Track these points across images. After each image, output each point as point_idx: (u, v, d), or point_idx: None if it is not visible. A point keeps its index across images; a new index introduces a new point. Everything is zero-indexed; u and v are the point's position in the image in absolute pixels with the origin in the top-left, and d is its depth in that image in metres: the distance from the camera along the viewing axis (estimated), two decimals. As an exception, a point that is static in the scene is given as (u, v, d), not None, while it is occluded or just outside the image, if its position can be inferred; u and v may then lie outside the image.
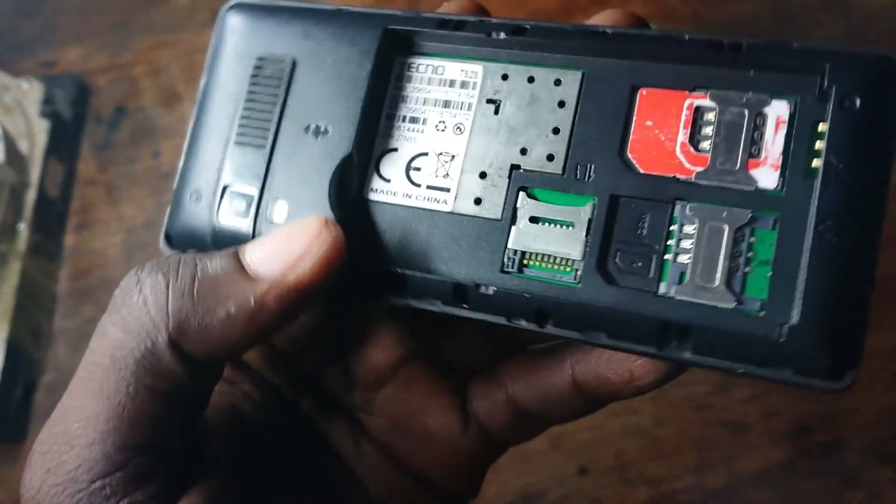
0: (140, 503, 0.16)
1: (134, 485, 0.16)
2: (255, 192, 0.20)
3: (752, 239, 0.16)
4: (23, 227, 0.41)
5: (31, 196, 0.42)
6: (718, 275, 0.16)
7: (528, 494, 0.35)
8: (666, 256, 0.17)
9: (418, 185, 0.19)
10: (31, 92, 0.45)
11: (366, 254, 0.19)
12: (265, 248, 0.17)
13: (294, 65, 0.20)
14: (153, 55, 0.47)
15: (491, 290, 0.18)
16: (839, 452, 0.35)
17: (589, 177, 0.18)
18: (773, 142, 0.17)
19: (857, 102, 0.16)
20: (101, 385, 0.16)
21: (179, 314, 0.16)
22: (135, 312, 0.17)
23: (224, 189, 0.20)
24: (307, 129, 0.20)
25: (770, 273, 0.16)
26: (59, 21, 0.50)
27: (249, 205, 0.20)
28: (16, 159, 0.41)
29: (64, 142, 0.45)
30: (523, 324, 0.18)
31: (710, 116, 0.17)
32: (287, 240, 0.17)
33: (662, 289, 0.17)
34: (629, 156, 0.18)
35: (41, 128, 0.44)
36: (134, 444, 0.16)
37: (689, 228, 0.17)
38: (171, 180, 0.45)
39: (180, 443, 0.18)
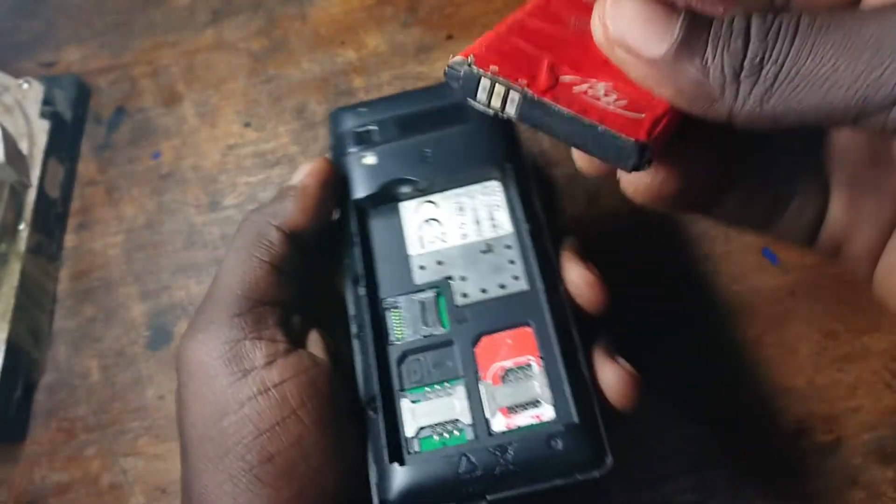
0: (261, 338, 0.26)
1: (259, 326, 0.26)
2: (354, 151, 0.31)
3: (454, 431, 0.25)
4: (23, 227, 0.41)
5: (31, 196, 0.42)
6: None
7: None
8: (430, 393, 0.26)
9: (419, 229, 0.29)
10: (31, 92, 0.45)
11: (354, 201, 0.30)
12: (297, 175, 0.30)
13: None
14: (153, 55, 0.48)
15: (361, 291, 0.28)
16: (839, 452, 0.35)
17: (460, 323, 0.27)
18: (523, 418, 0.25)
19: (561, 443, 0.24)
20: (235, 264, 0.27)
21: (272, 211, 0.29)
22: (251, 223, 0.28)
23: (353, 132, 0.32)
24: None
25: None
26: (59, 21, 0.50)
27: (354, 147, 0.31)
28: (16, 159, 0.41)
29: (64, 142, 0.45)
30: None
31: (529, 371, 0.26)
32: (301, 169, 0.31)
33: (404, 387, 0.26)
34: (481, 339, 0.26)
35: (41, 128, 0.44)
36: (255, 298, 0.26)
37: (454, 392, 0.26)
38: (171, 180, 0.45)
39: (288, 305, 0.27)
